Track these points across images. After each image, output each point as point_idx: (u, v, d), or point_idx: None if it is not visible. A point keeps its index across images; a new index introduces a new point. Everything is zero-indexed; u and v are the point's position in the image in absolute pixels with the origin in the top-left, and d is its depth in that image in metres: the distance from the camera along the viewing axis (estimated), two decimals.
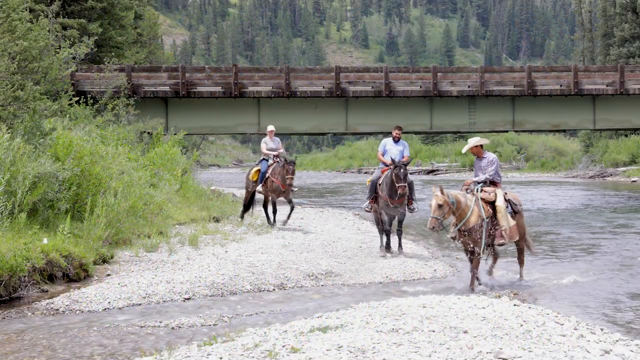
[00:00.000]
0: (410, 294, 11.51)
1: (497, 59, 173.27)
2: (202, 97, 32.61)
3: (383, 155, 16.69)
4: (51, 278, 12.69)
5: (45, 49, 19.68)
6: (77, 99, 24.55)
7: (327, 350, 6.99)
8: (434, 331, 7.83)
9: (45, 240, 13.06)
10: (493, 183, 13.45)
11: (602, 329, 8.64)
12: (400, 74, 33.76)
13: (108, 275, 13.42)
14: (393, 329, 7.89)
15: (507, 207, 13.24)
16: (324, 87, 32.90)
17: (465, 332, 7.86)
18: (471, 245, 12.91)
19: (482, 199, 13.07)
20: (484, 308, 9.22)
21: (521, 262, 13.95)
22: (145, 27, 49.59)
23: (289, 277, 13.39)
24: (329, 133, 36.60)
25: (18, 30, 18.64)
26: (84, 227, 14.39)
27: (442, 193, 12.50)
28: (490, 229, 12.97)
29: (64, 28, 32.62)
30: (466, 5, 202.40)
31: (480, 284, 13.00)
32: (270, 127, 21.54)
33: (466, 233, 12.88)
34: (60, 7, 31.73)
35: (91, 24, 34.78)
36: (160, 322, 10.15)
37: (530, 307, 9.50)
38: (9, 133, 14.98)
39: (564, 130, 43.02)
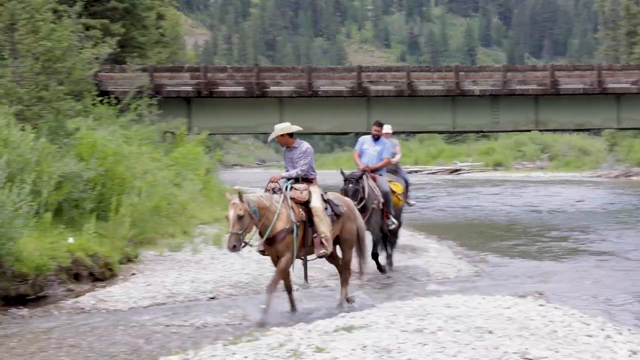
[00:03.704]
0: (434, 294, 11.47)
1: (519, 58, 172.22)
2: (224, 97, 32.67)
3: (360, 156, 14.38)
4: (77, 277, 12.76)
5: (68, 49, 19.76)
6: (100, 99, 24.64)
7: (352, 349, 6.99)
8: (459, 331, 7.80)
9: (70, 240, 13.15)
10: (307, 180, 11.00)
11: (629, 329, 8.57)
12: (422, 74, 33.67)
13: (133, 274, 13.49)
14: (418, 329, 7.87)
15: (326, 208, 10.88)
16: (345, 86, 32.86)
17: (491, 332, 7.82)
18: (277, 258, 10.53)
19: (293, 199, 10.65)
20: (509, 308, 9.18)
21: (345, 280, 11.31)
22: (167, 27, 49.76)
23: (313, 277, 13.34)
24: (351, 133, 36.57)
25: (42, 30, 18.76)
26: (109, 226, 14.47)
27: (242, 200, 9.94)
28: (305, 237, 10.62)
29: (87, 28, 32.71)
30: (488, 4, 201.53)
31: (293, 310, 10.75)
32: (386, 128, 18.49)
33: (271, 241, 10.40)
34: (83, 7, 31.83)
35: (114, 24, 34.94)
36: (185, 321, 10.19)
37: (556, 308, 9.43)
38: (33, 133, 15.08)
39: (588, 130, 42.75)
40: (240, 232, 9.84)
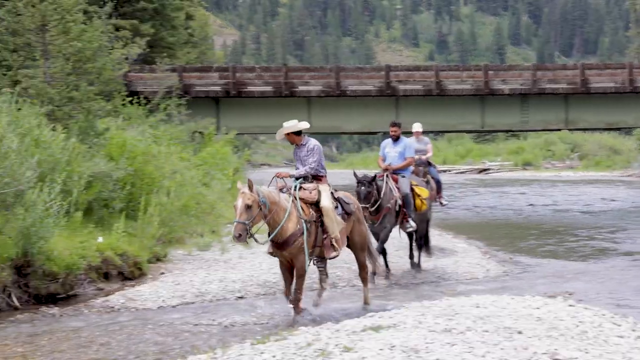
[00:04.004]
0: (463, 294, 11.41)
1: (549, 57, 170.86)
2: (252, 96, 32.75)
3: (384, 160, 14.26)
4: (106, 276, 12.88)
5: (98, 49, 19.93)
6: (130, 99, 24.83)
7: (380, 349, 6.97)
8: (487, 331, 7.75)
9: (100, 239, 13.26)
10: (316, 178, 10.74)
11: None
12: (450, 73, 33.56)
13: (162, 273, 13.57)
14: (446, 329, 7.84)
15: (336, 207, 10.65)
16: (374, 86, 32.82)
17: (520, 332, 7.77)
18: (291, 262, 10.32)
19: (302, 199, 10.37)
20: (538, 308, 9.10)
21: (364, 280, 11.32)
22: (196, 27, 50.00)
23: (341, 276, 13.36)
24: (379, 132, 36.50)
25: (72, 31, 18.93)
26: (138, 226, 14.56)
27: (252, 190, 9.79)
28: (316, 238, 10.38)
29: (117, 29, 32.98)
30: (517, 3, 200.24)
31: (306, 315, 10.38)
32: (416, 127, 17.03)
33: (282, 245, 10.16)
34: (113, 8, 32.10)
35: (143, 24, 35.19)
36: (214, 320, 10.23)
37: (586, 308, 9.35)
38: (64, 133, 15.22)
39: (619, 129, 42.34)
40: (247, 221, 9.62)
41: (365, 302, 11.04)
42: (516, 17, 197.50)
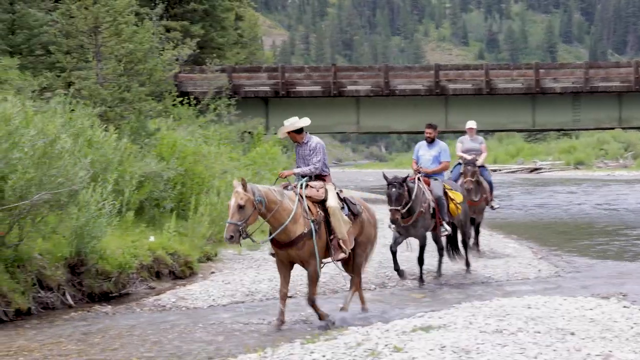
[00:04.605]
0: (514, 295, 11.31)
1: (602, 55, 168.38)
2: (301, 96, 32.84)
3: (417, 163, 13.79)
4: (158, 275, 13.03)
5: (150, 51, 20.18)
6: (180, 99, 25.08)
7: (430, 350, 6.93)
8: (539, 332, 7.67)
9: (151, 238, 13.41)
10: (320, 177, 10.27)
11: None
12: (501, 71, 33.27)
13: (212, 273, 13.67)
14: (497, 330, 7.77)
15: (342, 207, 10.16)
16: (423, 85, 32.69)
17: (573, 333, 7.68)
18: (302, 265, 9.90)
19: (309, 198, 9.91)
20: (591, 309, 8.99)
21: (356, 284, 10.68)
22: (245, 28, 50.26)
23: (391, 276, 13.32)
24: None
25: (124, 33, 19.18)
26: (189, 225, 14.69)
27: (245, 189, 9.34)
28: (326, 240, 9.92)
29: (168, 30, 33.37)
30: (569, 0, 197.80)
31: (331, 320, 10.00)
32: (470, 124, 16.59)
33: (289, 246, 9.69)
34: (164, 9, 32.47)
35: (193, 25, 35.49)
36: (264, 320, 10.26)
37: None
38: (116, 133, 15.41)
39: None
40: (239, 222, 9.20)
41: (343, 308, 10.39)
42: (568, 15, 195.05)
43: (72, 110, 15.36)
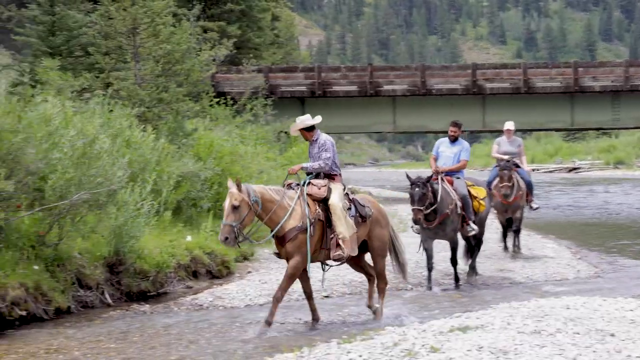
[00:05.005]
0: (552, 295, 11.20)
1: None
2: (337, 96, 32.86)
3: (436, 159, 13.35)
4: (195, 274, 13.11)
5: (187, 51, 20.32)
6: (217, 100, 25.21)
7: (468, 350, 6.90)
8: (578, 333, 7.60)
9: (189, 238, 13.49)
10: (330, 177, 10.05)
11: None
12: (539, 70, 33.04)
13: (249, 272, 13.73)
14: (535, 330, 7.71)
15: (349, 208, 9.88)
16: (460, 84, 32.56)
17: (613, 335, 7.58)
18: (286, 259, 9.69)
19: (310, 195, 9.74)
20: (631, 310, 8.88)
21: (381, 290, 10.37)
22: (282, 28, 50.40)
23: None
24: (465, 131, 36.16)
25: (162, 34, 19.33)
26: None
27: (240, 189, 9.20)
28: (324, 238, 9.67)
29: (205, 31, 33.56)
30: None
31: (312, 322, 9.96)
32: (509, 125, 16.21)
33: (281, 240, 9.55)
34: (201, 10, 32.68)
35: (230, 26, 35.66)
36: (300, 319, 10.28)
37: None
38: (154, 134, 15.53)
39: None
40: (234, 223, 9.05)
41: (377, 317, 10.17)
42: (607, 13, 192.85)
43: (111, 110, 15.50)
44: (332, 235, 9.64)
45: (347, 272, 13.18)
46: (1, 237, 10.40)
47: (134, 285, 11.87)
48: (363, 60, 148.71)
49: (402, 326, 8.76)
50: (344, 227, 9.60)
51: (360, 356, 7.08)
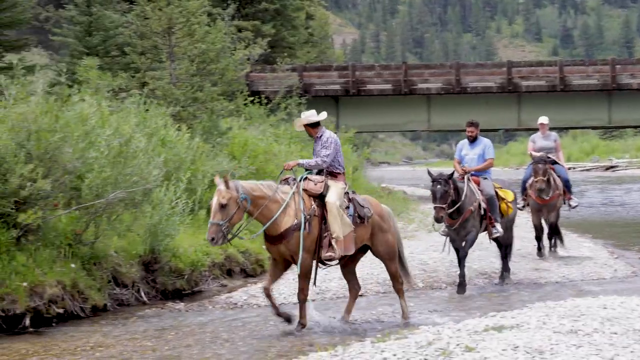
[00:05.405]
0: (589, 295, 11.09)
1: None
2: (371, 95, 32.81)
3: (460, 163, 13.01)
4: (229, 273, 13.17)
5: (222, 51, 20.40)
6: (251, 98, 25.30)
7: (503, 350, 6.85)
8: (616, 333, 7.51)
9: None
10: (332, 174, 9.74)
11: None
12: (575, 68, 32.78)
13: None
14: (572, 330, 7.64)
15: (347, 208, 9.58)
16: (495, 82, 32.38)
17: None
18: (292, 260, 9.39)
19: (305, 191, 9.42)
20: None
21: (399, 291, 10.24)
22: (316, 26, 50.46)
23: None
24: (500, 129, 35.97)
25: (197, 33, 19.43)
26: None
27: (228, 186, 8.87)
28: (320, 237, 9.35)
29: (239, 30, 33.69)
30: None
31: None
32: (542, 119, 15.88)
33: (277, 239, 9.25)
34: (236, 9, 32.81)
35: (265, 25, 35.78)
36: (334, 318, 10.26)
37: None
38: (188, 133, 15.62)
39: None
40: (222, 222, 8.75)
41: (404, 317, 10.05)
42: None
43: (146, 110, 15.61)
44: (326, 234, 9.34)
45: (381, 271, 13.15)
46: (39, 235, 10.52)
47: (169, 284, 11.95)
48: (397, 59, 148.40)
49: (436, 325, 8.73)
50: (339, 227, 9.29)
51: (394, 355, 7.06)
